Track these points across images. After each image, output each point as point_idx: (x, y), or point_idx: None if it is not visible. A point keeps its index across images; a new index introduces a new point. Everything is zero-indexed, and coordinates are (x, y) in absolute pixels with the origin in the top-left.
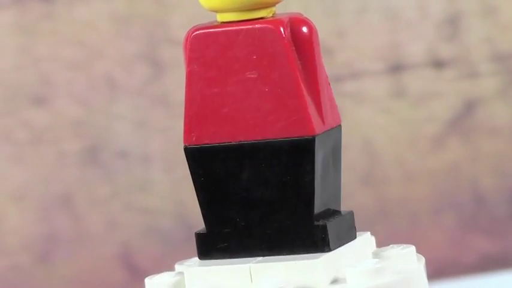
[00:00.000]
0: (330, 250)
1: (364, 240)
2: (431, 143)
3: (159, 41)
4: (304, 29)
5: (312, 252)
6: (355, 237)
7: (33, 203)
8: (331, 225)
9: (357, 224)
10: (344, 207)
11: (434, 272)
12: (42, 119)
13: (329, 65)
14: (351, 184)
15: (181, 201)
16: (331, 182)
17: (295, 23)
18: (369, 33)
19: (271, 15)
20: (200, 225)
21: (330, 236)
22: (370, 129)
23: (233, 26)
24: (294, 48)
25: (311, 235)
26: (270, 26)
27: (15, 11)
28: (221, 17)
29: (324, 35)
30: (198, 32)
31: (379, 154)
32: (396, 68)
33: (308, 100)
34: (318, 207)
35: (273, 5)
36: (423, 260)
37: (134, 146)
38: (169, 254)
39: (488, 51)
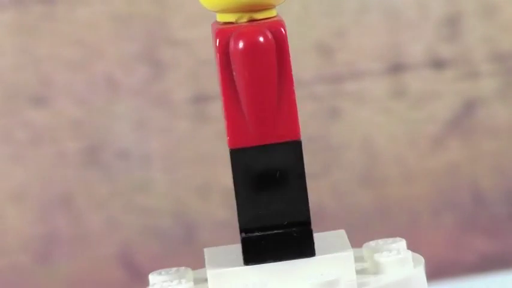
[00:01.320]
0: (247, 264)
1: (317, 261)
2: (431, 143)
3: (159, 41)
4: (239, 43)
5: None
6: (309, 256)
7: (33, 203)
8: (251, 240)
9: (356, 224)
10: (344, 207)
11: (434, 272)
12: (42, 119)
13: (329, 65)
14: (350, 184)
15: (181, 201)
16: (283, 196)
17: (241, 34)
18: (369, 33)
19: (244, 20)
20: (200, 225)
21: (248, 251)
22: (370, 129)
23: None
24: (227, 59)
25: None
26: (216, 34)
27: (15, 11)
28: (221, 18)
29: (324, 35)
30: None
31: (379, 154)
32: (396, 68)
33: (230, 113)
34: (252, 219)
35: (268, 7)
36: (423, 261)
37: (134, 146)
38: (168, 254)
39: (488, 51)
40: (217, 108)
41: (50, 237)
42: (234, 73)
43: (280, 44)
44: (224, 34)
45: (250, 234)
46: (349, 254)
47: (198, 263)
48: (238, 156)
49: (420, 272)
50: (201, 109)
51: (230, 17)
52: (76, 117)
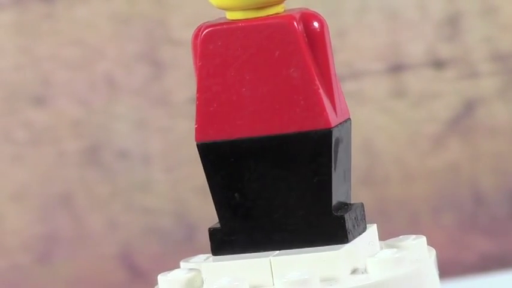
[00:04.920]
0: (347, 241)
1: (374, 232)
2: (431, 143)
3: (159, 41)
4: (315, 24)
5: (330, 244)
6: (365, 229)
7: (33, 203)
8: (348, 217)
9: None
10: None
11: None
12: (42, 119)
13: None
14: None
15: (181, 201)
16: (344, 173)
17: (305, 18)
18: (369, 33)
19: (282, 10)
20: (200, 225)
21: (347, 228)
22: (370, 129)
23: (243, 23)
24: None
25: (329, 227)
26: (282, 21)
27: (15, 11)
28: (231, 15)
29: None
30: (208, 29)
31: (379, 154)
32: (396, 68)
33: (322, 93)
34: (335, 198)
35: (280, 1)
36: (433, 251)
37: (134, 146)
38: (169, 254)
39: (488, 51)
40: None
41: (50, 237)
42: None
43: None
44: (290, 21)
45: (342, 213)
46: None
47: None
48: (333, 136)
49: (433, 261)
50: None
51: (247, 14)
52: (76, 117)
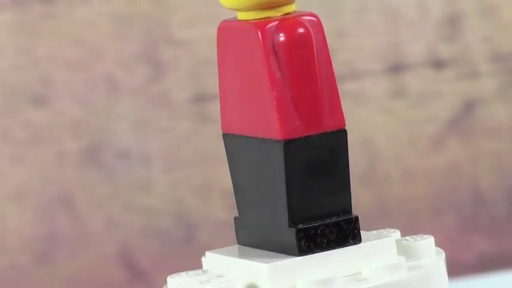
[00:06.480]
0: (298, 255)
1: (367, 247)
2: (431, 142)
3: (159, 41)
4: (299, 31)
5: (287, 255)
6: (355, 243)
7: (33, 203)
8: (305, 230)
9: None
10: None
11: None
12: (42, 119)
13: None
14: (351, 184)
15: (181, 201)
16: (329, 186)
17: (283, 26)
18: (369, 33)
19: (279, 14)
20: (200, 225)
21: (303, 241)
22: (370, 129)
23: (238, 24)
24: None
25: (284, 238)
26: (249, 28)
27: (15, 11)
28: (240, 16)
29: None
30: (221, 24)
31: (379, 154)
32: (396, 68)
33: (280, 104)
34: (301, 210)
35: (289, 2)
36: (442, 254)
37: (134, 146)
38: (169, 254)
39: (488, 51)
40: (217, 108)
41: (50, 237)
42: (280, 66)
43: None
44: (262, 28)
45: (303, 225)
46: (392, 239)
47: (198, 263)
48: (291, 148)
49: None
50: (201, 109)
51: (255, 15)
52: (76, 117)
